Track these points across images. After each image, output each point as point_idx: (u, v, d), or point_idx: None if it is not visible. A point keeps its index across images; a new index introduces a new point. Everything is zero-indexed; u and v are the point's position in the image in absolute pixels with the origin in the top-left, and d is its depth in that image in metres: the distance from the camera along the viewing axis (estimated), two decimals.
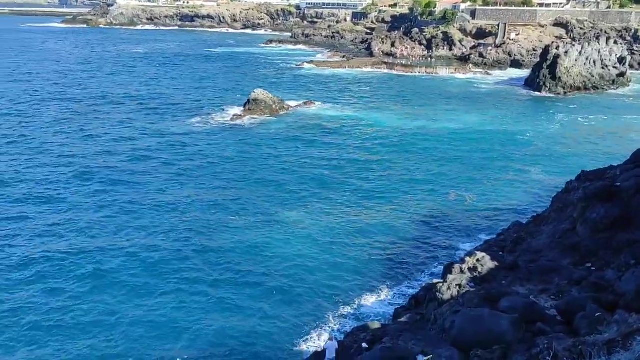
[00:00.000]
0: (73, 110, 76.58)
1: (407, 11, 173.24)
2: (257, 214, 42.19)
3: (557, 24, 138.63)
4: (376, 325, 24.94)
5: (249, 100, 77.20)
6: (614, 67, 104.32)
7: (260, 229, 39.48)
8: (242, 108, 77.16)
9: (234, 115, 74.01)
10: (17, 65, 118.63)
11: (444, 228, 40.83)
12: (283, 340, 27.31)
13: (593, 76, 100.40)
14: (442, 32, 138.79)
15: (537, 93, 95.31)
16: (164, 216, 41.44)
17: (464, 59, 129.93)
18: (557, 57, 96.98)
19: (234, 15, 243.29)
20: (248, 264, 34.68)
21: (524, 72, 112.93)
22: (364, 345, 19.54)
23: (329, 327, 28.46)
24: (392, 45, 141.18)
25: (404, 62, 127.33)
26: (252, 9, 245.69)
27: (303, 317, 29.27)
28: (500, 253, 29.89)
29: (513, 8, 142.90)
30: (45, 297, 30.46)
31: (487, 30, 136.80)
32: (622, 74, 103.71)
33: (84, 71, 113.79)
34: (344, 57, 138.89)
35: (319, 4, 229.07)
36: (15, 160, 53.85)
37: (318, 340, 27.02)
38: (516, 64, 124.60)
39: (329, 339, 20.93)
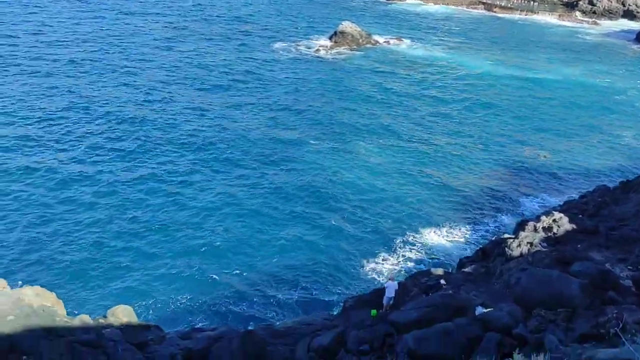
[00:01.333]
0: (162, 27, 78.45)
1: None
2: (332, 142, 43.38)
3: None
4: (439, 272, 24.97)
5: (335, 32, 75.99)
6: None
7: (334, 157, 40.74)
8: (328, 39, 76.19)
9: (319, 46, 73.36)
10: None
11: (513, 182, 39.88)
12: (345, 269, 28.21)
13: None
14: None
15: None
16: (240, 137, 43.10)
17: (570, 5, 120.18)
18: None
19: None
20: (319, 190, 35.98)
21: (637, 25, 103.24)
22: (442, 282, 19.53)
23: (392, 264, 28.94)
24: None
25: (503, 4, 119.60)
26: None
27: (368, 250, 30.16)
28: (580, 216, 28.65)
29: None
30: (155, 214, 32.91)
31: None
32: None
33: None
34: None
35: None
36: (110, 78, 56.67)
37: (379, 275, 27.63)
38: (629, 14, 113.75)
39: (390, 279, 21.19)
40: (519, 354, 9.24)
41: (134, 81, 54.38)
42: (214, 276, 27.20)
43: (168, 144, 41.01)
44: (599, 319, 14.40)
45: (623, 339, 9.75)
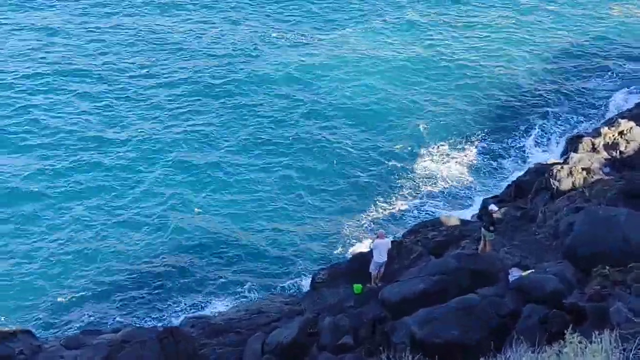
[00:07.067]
0: None
1: None
2: (298, 34, 46.07)
3: None
4: (453, 220, 25.33)
5: None
6: None
7: (303, 51, 43.55)
8: None
9: None
10: None
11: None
12: (314, 231, 28.98)
13: None
14: None
15: None
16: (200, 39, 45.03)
17: None
18: None
19: None
20: (292, 93, 38.88)
21: None
22: (492, 207, 19.96)
23: (381, 215, 29.54)
24: None
25: None
26: None
27: (346, 200, 30.87)
28: None
29: None
30: None
31: None
32: None
33: None
34: None
35: None
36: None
37: (362, 235, 28.22)
38: None
39: (378, 236, 21.17)
40: (573, 333, 9.39)
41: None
42: (113, 249, 27.21)
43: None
44: None
45: None
